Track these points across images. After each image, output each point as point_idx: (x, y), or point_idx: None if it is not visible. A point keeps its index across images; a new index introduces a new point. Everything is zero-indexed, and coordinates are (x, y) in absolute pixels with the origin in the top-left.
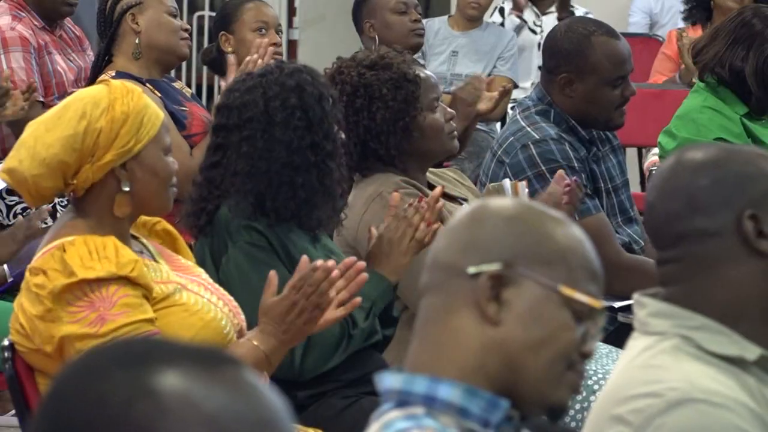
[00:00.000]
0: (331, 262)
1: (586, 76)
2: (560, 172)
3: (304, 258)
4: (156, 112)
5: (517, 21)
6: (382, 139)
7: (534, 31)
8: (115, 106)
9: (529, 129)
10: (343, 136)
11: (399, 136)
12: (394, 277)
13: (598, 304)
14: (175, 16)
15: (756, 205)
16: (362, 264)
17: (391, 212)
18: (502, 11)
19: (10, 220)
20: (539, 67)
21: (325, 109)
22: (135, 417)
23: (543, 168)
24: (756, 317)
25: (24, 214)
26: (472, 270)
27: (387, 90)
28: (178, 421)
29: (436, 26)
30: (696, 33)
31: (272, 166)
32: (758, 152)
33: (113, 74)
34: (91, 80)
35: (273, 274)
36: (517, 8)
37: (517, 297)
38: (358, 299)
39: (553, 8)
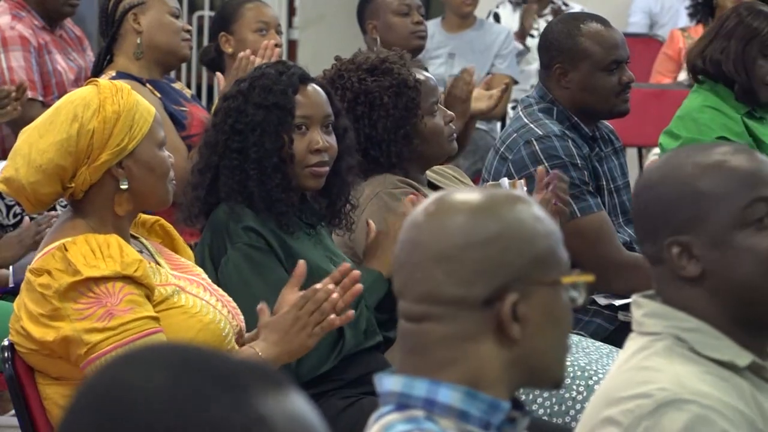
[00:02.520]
0: (331, 286)
1: (579, 64)
2: (539, 169)
3: (302, 263)
4: (147, 107)
5: (521, 47)
6: (383, 147)
7: (531, 35)
8: (105, 105)
9: (532, 125)
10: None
11: (400, 144)
12: (386, 270)
13: (592, 277)
14: (177, 17)
15: (679, 231)
16: (357, 273)
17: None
18: (497, 17)
19: (10, 220)
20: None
21: (266, 116)
22: None
23: (546, 164)
24: (726, 333)
25: (24, 213)
26: (485, 301)
27: (388, 98)
28: None
29: (430, 30)
30: (698, 32)
31: (198, 164)
32: (705, 164)
33: (113, 74)
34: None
35: (263, 307)
36: (521, 35)
37: (530, 308)
38: (351, 312)
39: (548, 10)
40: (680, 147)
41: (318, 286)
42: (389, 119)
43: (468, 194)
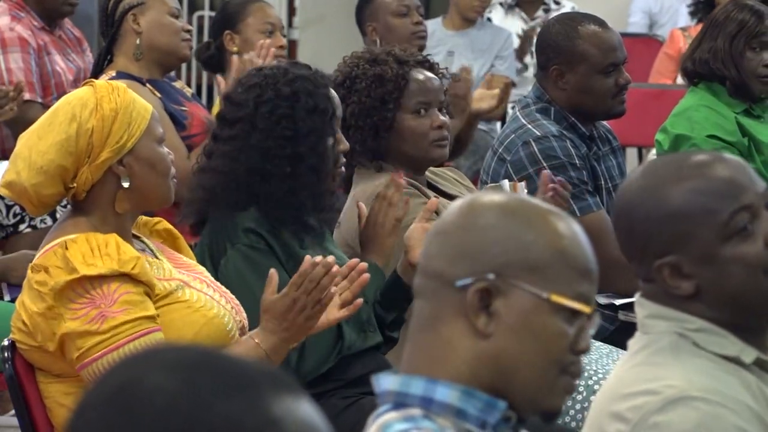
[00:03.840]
0: (330, 258)
1: (576, 66)
2: (545, 172)
3: (308, 258)
4: (143, 104)
5: (519, 65)
6: (350, 132)
7: (532, 52)
8: (102, 104)
9: (530, 126)
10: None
11: (365, 133)
12: (382, 260)
13: (589, 309)
14: (177, 17)
15: (665, 252)
16: (364, 265)
17: (399, 212)
18: (488, 21)
19: (10, 220)
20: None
21: (316, 121)
22: None
23: (544, 165)
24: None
25: (24, 214)
26: (460, 283)
27: (365, 85)
28: None
29: (431, 28)
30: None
31: (238, 169)
32: (681, 180)
33: (113, 74)
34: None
35: (273, 273)
36: (520, 55)
37: (506, 307)
38: (360, 300)
39: (540, 12)
40: (655, 159)
41: (317, 258)
42: (359, 106)
43: (512, 195)
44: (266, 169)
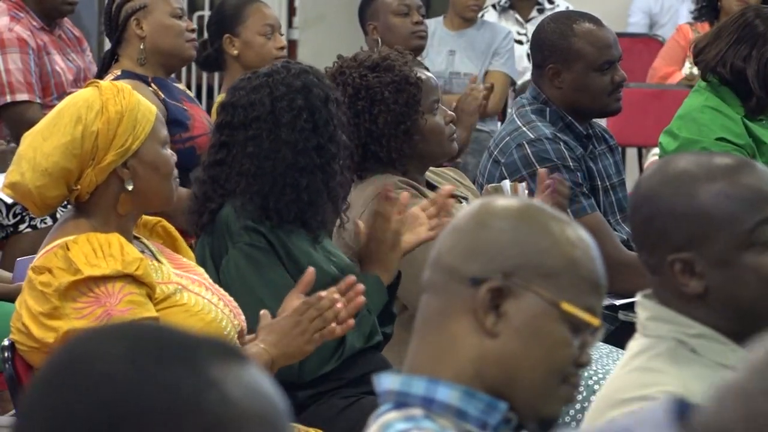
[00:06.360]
0: (336, 295)
1: (572, 64)
2: (541, 171)
3: (311, 270)
4: (148, 106)
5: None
6: (383, 142)
7: (520, 42)
8: (108, 106)
9: (524, 128)
10: (344, 138)
11: (400, 140)
12: (386, 275)
13: (597, 322)
14: (180, 17)
15: (681, 248)
16: (361, 287)
17: (398, 209)
18: None
19: (9, 220)
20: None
21: (331, 111)
22: (205, 406)
23: (538, 167)
24: None
25: (24, 213)
26: (472, 280)
27: (389, 93)
28: (242, 411)
29: (432, 27)
30: (705, 29)
31: (277, 167)
32: (709, 181)
33: (118, 73)
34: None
35: (265, 313)
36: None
37: (516, 309)
38: (351, 321)
39: (534, 13)
40: (679, 154)
41: (323, 293)
42: (390, 114)
43: (530, 200)
44: (299, 163)
